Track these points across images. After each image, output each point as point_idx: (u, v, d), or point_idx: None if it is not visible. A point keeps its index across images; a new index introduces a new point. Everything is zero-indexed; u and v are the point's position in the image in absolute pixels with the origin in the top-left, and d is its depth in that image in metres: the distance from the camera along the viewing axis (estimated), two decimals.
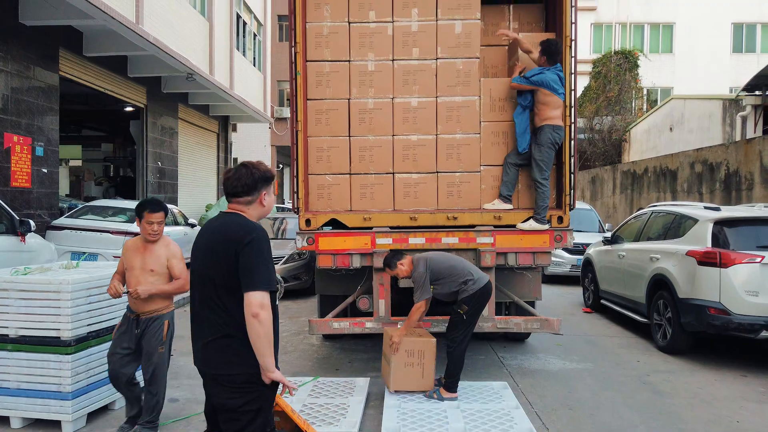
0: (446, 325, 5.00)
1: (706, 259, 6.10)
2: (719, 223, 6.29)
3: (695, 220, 6.65)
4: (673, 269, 6.55)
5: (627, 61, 24.54)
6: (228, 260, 2.49)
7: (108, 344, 4.50)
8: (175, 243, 4.37)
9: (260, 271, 2.46)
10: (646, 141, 21.42)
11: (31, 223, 7.13)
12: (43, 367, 4.20)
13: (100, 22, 10.42)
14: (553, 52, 5.41)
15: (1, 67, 9.77)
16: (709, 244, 6.19)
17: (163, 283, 4.12)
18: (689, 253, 6.31)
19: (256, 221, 2.65)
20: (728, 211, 6.72)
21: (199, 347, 2.67)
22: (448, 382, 4.81)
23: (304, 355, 6.50)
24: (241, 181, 2.62)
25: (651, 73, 26.27)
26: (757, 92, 15.62)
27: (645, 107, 26.00)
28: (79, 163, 23.58)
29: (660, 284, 6.82)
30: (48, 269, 4.84)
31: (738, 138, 15.73)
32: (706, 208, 7.02)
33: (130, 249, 4.18)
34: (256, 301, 2.43)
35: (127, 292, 4.13)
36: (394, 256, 4.93)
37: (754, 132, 15.56)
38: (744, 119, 15.88)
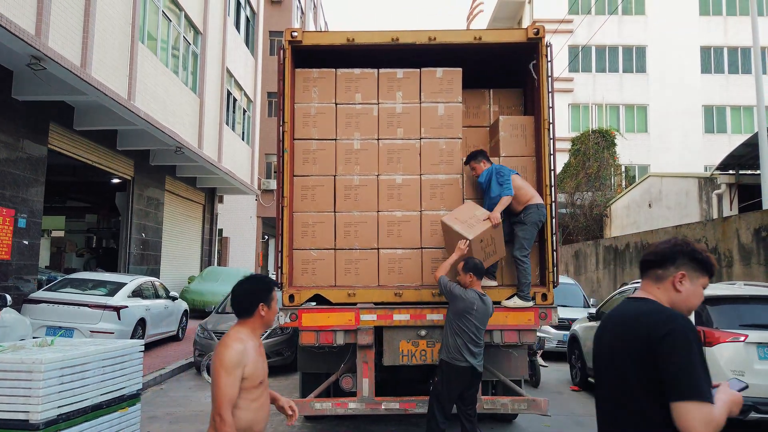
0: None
1: None
2: (702, 302, 6.32)
3: None
4: None
5: (604, 139, 25.44)
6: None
7: (78, 427, 4.30)
8: None
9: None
10: (626, 216, 21.85)
11: (8, 297, 6.97)
12: None
13: (93, 98, 10.67)
14: (480, 156, 5.72)
15: None
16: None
17: None
18: None
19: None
20: (710, 289, 6.78)
21: None
22: None
23: None
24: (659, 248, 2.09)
25: (628, 150, 27.22)
26: (730, 171, 16.19)
27: (624, 184, 26.73)
28: (61, 234, 23.41)
29: None
30: (21, 347, 4.68)
31: (715, 215, 16.13)
32: None
33: (254, 352, 2.72)
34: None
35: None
36: (475, 267, 4.89)
37: (730, 209, 15.98)
38: (720, 197, 16.35)
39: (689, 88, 30.38)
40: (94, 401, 4.51)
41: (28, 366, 4.03)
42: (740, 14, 30.73)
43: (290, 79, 5.73)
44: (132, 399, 4.98)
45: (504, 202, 5.38)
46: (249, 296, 2.70)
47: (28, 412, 3.99)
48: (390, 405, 5.24)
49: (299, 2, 30.31)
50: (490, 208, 5.39)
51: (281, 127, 5.64)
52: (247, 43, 21.91)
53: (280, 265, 5.52)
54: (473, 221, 5.21)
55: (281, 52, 5.67)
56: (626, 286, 8.92)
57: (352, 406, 5.24)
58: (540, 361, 8.78)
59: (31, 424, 3.97)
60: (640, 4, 31.13)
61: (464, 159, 5.80)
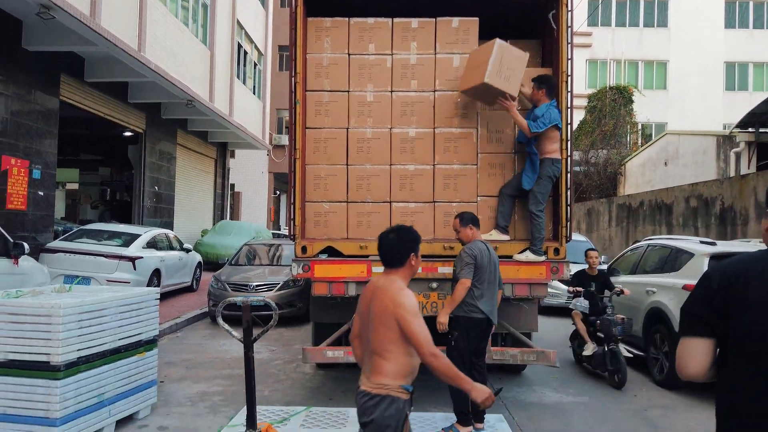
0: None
1: None
2: (715, 257, 6.30)
3: (691, 255, 6.66)
4: (669, 303, 6.53)
5: (621, 96, 24.90)
6: None
7: (98, 369, 4.44)
8: None
9: None
10: (641, 175, 21.60)
11: (25, 245, 7.09)
12: (32, 392, 4.12)
13: (103, 48, 10.55)
14: (553, 86, 5.50)
15: (2, 91, 9.84)
16: None
17: None
18: (686, 287, 6.30)
19: None
20: (724, 246, 6.75)
21: None
22: (459, 416, 4.66)
23: (297, 383, 6.41)
24: None
25: (645, 108, 26.65)
26: (750, 129, 15.84)
27: (640, 142, 26.31)
28: (75, 186, 23.62)
29: (656, 318, 6.79)
30: (40, 293, 4.80)
31: (732, 173, 15.88)
32: (701, 242, 7.04)
33: None
34: None
35: None
36: (472, 219, 4.84)
37: (748, 168, 15.72)
38: (738, 155, 16.07)
39: (712, 43, 29.44)
40: (113, 345, 4.63)
41: (47, 310, 4.13)
42: None
43: (302, 28, 5.61)
44: (149, 344, 5.12)
45: (523, 123, 5.36)
46: (401, 247, 2.77)
47: (49, 354, 4.11)
48: None
49: None
50: (527, 144, 5.46)
51: (293, 78, 5.56)
52: None
53: (292, 217, 5.55)
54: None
55: (293, 0, 5.53)
56: (638, 243, 8.89)
57: None
58: (624, 350, 6.80)
59: (52, 366, 4.11)
60: None
61: (536, 79, 5.53)
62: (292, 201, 5.55)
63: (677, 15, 29.69)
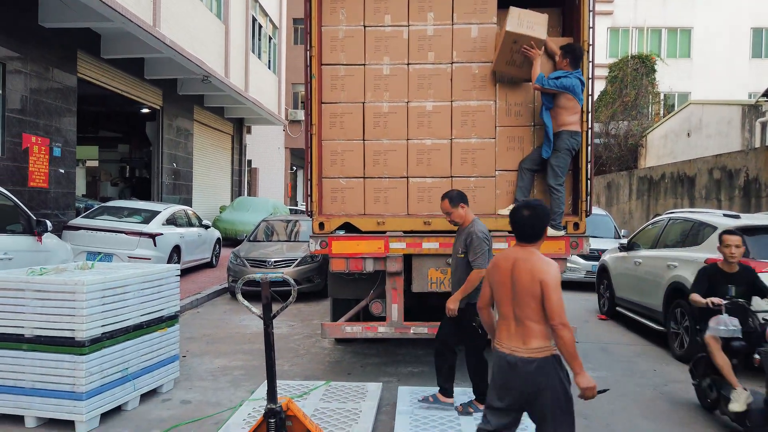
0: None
1: None
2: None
3: (714, 228, 6.54)
4: (691, 277, 6.42)
5: (644, 65, 24.29)
6: None
7: (121, 345, 4.52)
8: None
9: None
10: (663, 146, 21.17)
11: (48, 223, 7.20)
12: (58, 367, 4.22)
13: (118, 24, 10.53)
14: (578, 56, 5.35)
15: (20, 69, 9.90)
16: None
17: None
18: (708, 261, 6.20)
19: None
20: (748, 219, 6.61)
21: None
22: (478, 394, 4.62)
23: (316, 358, 6.48)
24: None
25: (668, 77, 25.98)
26: None
27: (662, 112, 25.73)
28: (95, 163, 23.89)
29: (677, 292, 6.71)
30: (64, 270, 4.87)
31: (758, 144, 15.49)
32: (725, 215, 6.90)
33: None
34: None
35: None
36: (461, 196, 4.57)
37: None
38: (764, 125, 15.63)
39: (738, 7, 28.45)
40: (136, 321, 4.72)
41: (71, 287, 4.20)
42: None
43: (317, 0, 5.51)
44: (170, 320, 5.20)
45: (535, 73, 5.28)
46: (538, 222, 2.96)
47: (73, 330, 4.20)
48: (419, 329, 5.35)
49: None
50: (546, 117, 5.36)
51: (308, 52, 5.49)
52: None
53: (309, 193, 5.53)
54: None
55: None
56: (659, 217, 8.75)
57: (382, 330, 5.37)
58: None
59: (77, 341, 4.19)
60: None
61: (563, 47, 5.40)
62: (309, 177, 5.54)
63: None
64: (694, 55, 29.06)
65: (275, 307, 3.40)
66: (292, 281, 3.51)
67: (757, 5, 28.37)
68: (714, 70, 28.33)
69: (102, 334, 4.35)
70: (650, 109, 25.13)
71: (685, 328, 6.49)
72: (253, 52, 19.05)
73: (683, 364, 6.44)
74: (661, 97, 26.44)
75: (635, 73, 24.14)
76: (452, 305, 4.55)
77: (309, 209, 5.58)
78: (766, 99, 15.55)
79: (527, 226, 2.95)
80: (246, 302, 3.49)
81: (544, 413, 2.90)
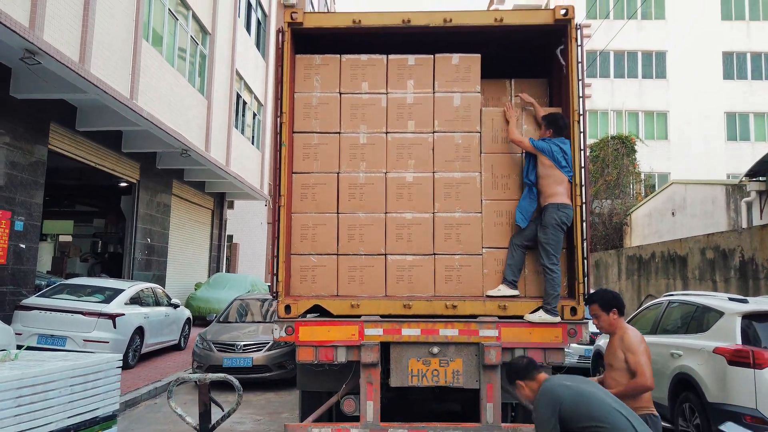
0: None
1: (737, 358, 5.40)
2: (748, 317, 5.64)
3: (720, 313, 6.00)
4: (698, 368, 5.82)
5: (624, 145, 24.66)
6: None
7: None
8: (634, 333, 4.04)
9: None
10: (648, 225, 21.02)
11: None
12: None
13: (92, 96, 10.24)
14: (561, 126, 5.01)
15: None
16: (739, 341, 5.51)
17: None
18: (717, 351, 5.61)
19: None
20: (757, 304, 6.09)
21: None
22: None
23: None
24: None
25: (648, 158, 26.37)
26: (760, 178, 15.35)
27: (644, 192, 25.89)
28: (69, 238, 23.13)
29: (684, 385, 6.06)
30: None
31: (744, 224, 15.29)
32: (730, 299, 6.38)
33: None
34: None
35: None
36: (528, 369, 3.46)
37: (761, 218, 15.14)
38: (749, 205, 15.52)
39: (711, 94, 29.48)
40: (60, 425, 3.96)
41: None
42: (763, 19, 29.86)
43: (290, 65, 5.18)
44: (107, 422, 4.42)
45: (520, 141, 5.10)
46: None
47: None
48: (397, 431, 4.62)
49: (312, 4, 29.93)
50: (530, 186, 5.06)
51: (279, 119, 5.10)
52: (258, 46, 21.52)
53: (275, 271, 4.95)
54: None
55: (279, 35, 5.13)
56: (657, 299, 8.22)
57: None
58: None
59: None
60: (660, 8, 30.34)
61: (544, 117, 5.19)
62: (275, 254, 4.97)
63: (675, 67, 29.88)
64: (672, 137, 29.74)
65: (221, 411, 2.74)
66: (238, 385, 2.86)
67: (729, 91, 29.45)
68: (692, 152, 28.92)
69: None
70: (632, 189, 25.28)
71: (696, 426, 5.80)
72: (236, 127, 18.94)
73: None
74: (642, 176, 26.71)
75: (616, 153, 24.45)
76: None
77: (274, 289, 4.96)
78: (748, 179, 15.54)
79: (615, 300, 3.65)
80: (178, 410, 2.82)
81: None
